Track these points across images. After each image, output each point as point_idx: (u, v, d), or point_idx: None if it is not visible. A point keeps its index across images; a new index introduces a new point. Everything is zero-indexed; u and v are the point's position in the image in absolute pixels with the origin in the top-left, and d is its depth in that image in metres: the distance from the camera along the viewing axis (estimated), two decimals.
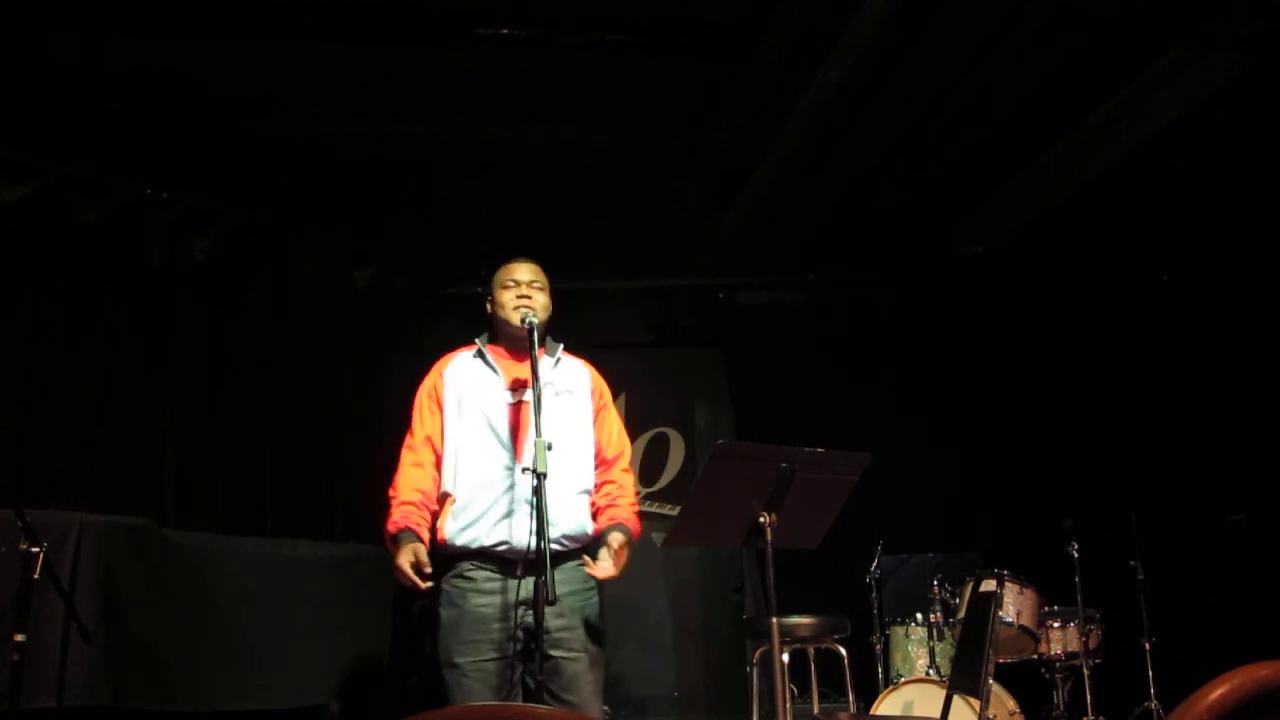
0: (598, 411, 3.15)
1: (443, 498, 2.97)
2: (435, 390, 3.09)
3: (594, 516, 3.05)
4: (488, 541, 2.86)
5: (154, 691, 3.78)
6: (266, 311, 5.63)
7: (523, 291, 3.05)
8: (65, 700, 3.41)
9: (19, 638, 2.88)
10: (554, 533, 2.83)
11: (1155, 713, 4.76)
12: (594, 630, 2.92)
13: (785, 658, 4.46)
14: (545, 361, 3.03)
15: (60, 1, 4.17)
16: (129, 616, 3.70)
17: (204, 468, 5.25)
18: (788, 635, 4.75)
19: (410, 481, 2.99)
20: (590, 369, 3.21)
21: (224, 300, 5.47)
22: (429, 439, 3.03)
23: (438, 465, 3.01)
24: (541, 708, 2.20)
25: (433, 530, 2.96)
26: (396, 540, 2.88)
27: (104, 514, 3.81)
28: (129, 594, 3.72)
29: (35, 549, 2.86)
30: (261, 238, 5.52)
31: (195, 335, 5.34)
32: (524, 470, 2.79)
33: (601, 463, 3.12)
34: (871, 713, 4.72)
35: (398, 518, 2.92)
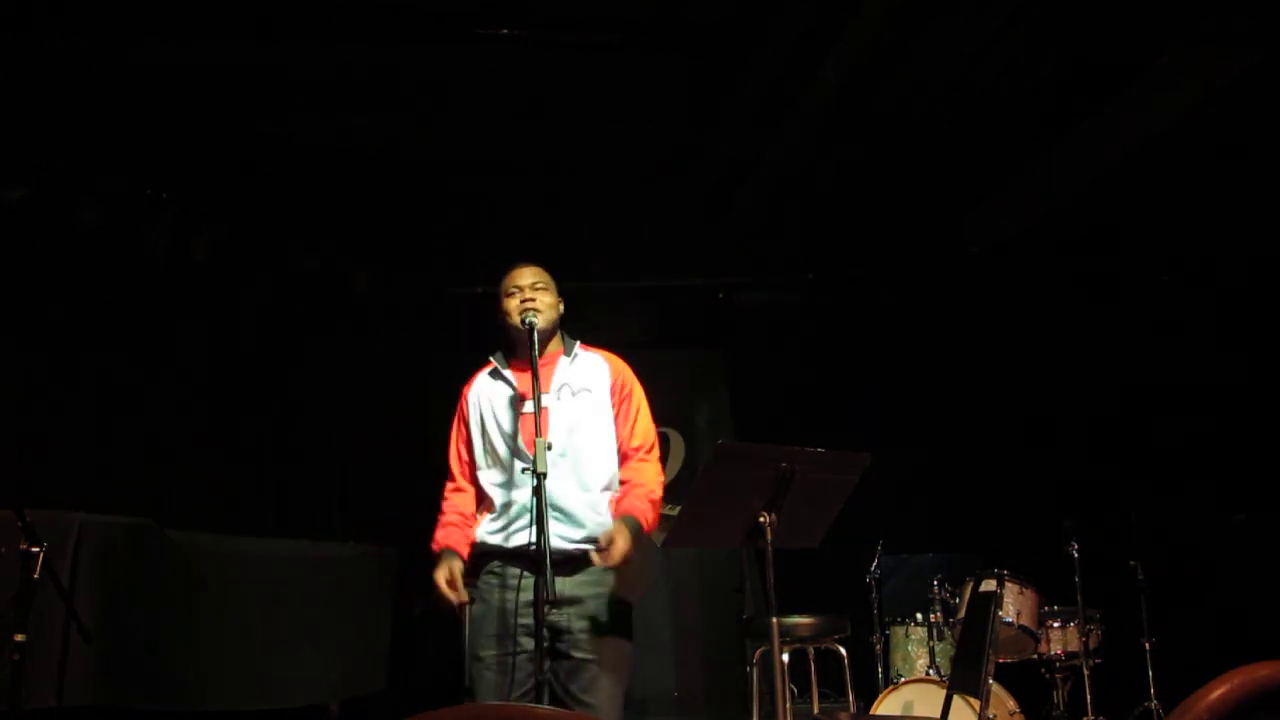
0: (619, 405, 3.12)
1: (480, 506, 3.06)
2: (462, 412, 3.16)
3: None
4: (510, 545, 2.92)
5: (154, 691, 3.77)
6: (266, 311, 5.63)
7: (526, 295, 3.04)
8: (65, 700, 3.41)
9: (19, 638, 2.87)
10: (578, 535, 2.88)
11: (1155, 713, 4.75)
12: (619, 632, 2.93)
13: (785, 658, 4.46)
14: (561, 360, 3.06)
15: (61, 3, 4.17)
16: (129, 616, 3.70)
17: (204, 468, 5.25)
18: (788, 635, 4.75)
19: (453, 506, 3.09)
20: (610, 362, 3.17)
21: (223, 300, 5.47)
22: (464, 465, 3.12)
23: (473, 483, 3.10)
24: (541, 707, 2.19)
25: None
26: (438, 558, 2.96)
27: (104, 514, 3.81)
28: (129, 594, 3.72)
29: (35, 549, 2.86)
30: (261, 238, 5.52)
31: (195, 335, 5.34)
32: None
33: (623, 456, 3.11)
34: (871, 713, 4.71)
35: (440, 537, 3.02)
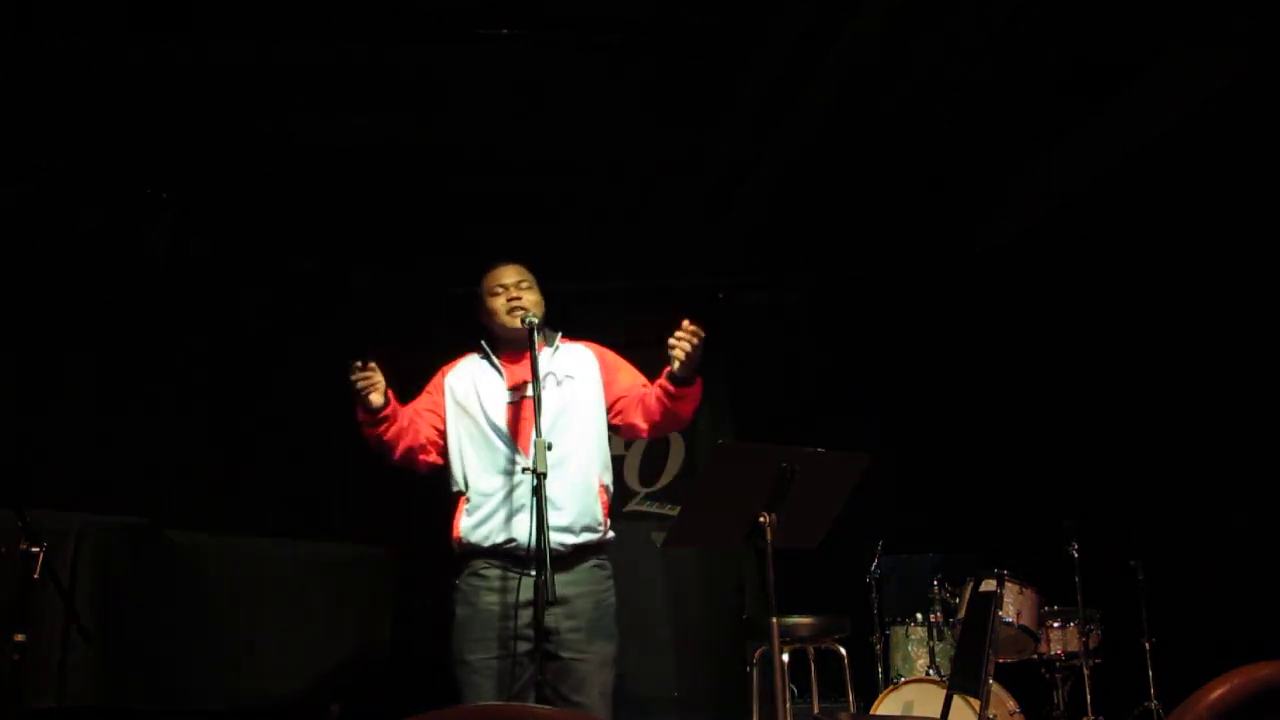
0: (612, 373, 3.16)
1: (456, 496, 3.04)
2: (436, 389, 3.17)
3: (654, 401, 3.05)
4: (498, 539, 2.91)
5: (154, 691, 3.77)
6: (266, 311, 5.63)
7: (513, 294, 3.09)
8: (65, 700, 3.41)
9: (19, 638, 2.87)
10: (564, 520, 2.88)
11: (1155, 713, 4.75)
12: (605, 632, 2.95)
13: (785, 658, 4.47)
14: (544, 352, 3.06)
15: (61, 3, 4.17)
16: (129, 616, 3.70)
17: (204, 468, 5.25)
18: (788, 635, 4.75)
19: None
20: (592, 348, 3.22)
21: (223, 300, 5.47)
22: (430, 419, 3.14)
23: (442, 456, 3.11)
24: (542, 708, 2.20)
25: (449, 530, 3.03)
26: None
27: (104, 514, 3.81)
28: (129, 594, 3.72)
29: (35, 549, 2.86)
30: (261, 237, 5.52)
31: (194, 335, 5.35)
32: (524, 470, 2.81)
33: (642, 387, 3.13)
34: (871, 713, 4.72)
35: None
